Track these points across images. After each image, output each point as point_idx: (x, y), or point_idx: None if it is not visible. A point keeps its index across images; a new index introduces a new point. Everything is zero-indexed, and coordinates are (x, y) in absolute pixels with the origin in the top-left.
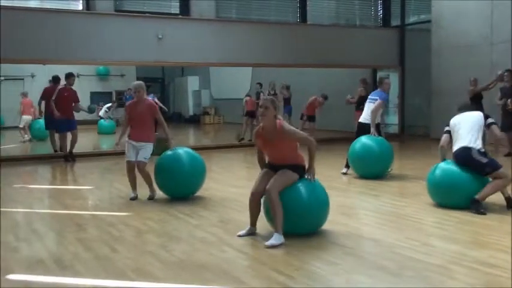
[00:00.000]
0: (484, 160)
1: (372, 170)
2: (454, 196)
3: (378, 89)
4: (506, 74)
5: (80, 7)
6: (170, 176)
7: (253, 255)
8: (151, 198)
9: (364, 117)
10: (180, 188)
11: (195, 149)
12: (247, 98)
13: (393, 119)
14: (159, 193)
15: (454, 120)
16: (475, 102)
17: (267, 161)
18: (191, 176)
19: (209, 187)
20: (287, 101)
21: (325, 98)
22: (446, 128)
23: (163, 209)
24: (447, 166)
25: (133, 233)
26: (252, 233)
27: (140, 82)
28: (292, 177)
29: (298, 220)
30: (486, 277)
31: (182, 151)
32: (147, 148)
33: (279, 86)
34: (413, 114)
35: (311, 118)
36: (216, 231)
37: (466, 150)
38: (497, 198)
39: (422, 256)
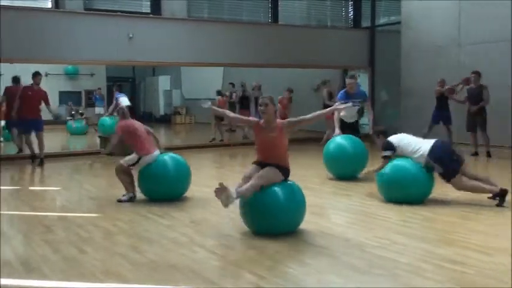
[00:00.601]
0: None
1: (346, 170)
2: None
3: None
4: (473, 75)
5: (49, 5)
6: (155, 181)
7: (225, 256)
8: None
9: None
10: (165, 192)
11: (166, 149)
12: (219, 97)
13: (364, 119)
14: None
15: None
16: (442, 103)
17: (257, 159)
18: (177, 181)
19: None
20: (256, 101)
21: (291, 91)
22: (388, 154)
23: (133, 210)
24: (397, 163)
25: (102, 235)
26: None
27: None
28: (279, 176)
29: (276, 220)
30: (453, 274)
31: (168, 157)
32: None
33: (250, 86)
34: (383, 114)
35: (284, 119)
36: (187, 232)
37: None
38: (463, 197)
39: (391, 254)
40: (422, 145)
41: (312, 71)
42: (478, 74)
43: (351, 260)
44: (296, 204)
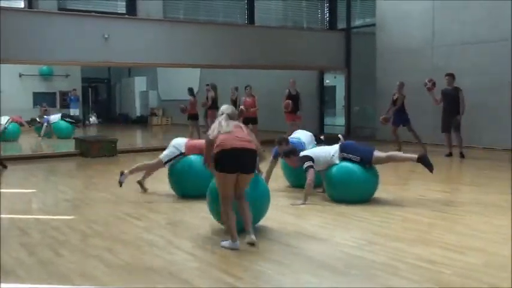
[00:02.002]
0: None
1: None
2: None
3: None
4: (447, 77)
5: (22, 5)
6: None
7: (202, 257)
8: None
9: None
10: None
11: (142, 151)
12: (192, 98)
13: (340, 120)
14: (107, 196)
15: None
16: (401, 106)
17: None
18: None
19: (157, 189)
20: (235, 104)
21: (250, 87)
22: (310, 164)
23: (110, 212)
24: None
25: (78, 237)
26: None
27: None
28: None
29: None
30: (429, 274)
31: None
32: None
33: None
34: (360, 115)
35: (253, 120)
36: (164, 234)
37: None
38: (440, 198)
39: (367, 254)
40: (332, 148)
41: (288, 72)
42: (452, 76)
43: (326, 260)
44: (262, 196)
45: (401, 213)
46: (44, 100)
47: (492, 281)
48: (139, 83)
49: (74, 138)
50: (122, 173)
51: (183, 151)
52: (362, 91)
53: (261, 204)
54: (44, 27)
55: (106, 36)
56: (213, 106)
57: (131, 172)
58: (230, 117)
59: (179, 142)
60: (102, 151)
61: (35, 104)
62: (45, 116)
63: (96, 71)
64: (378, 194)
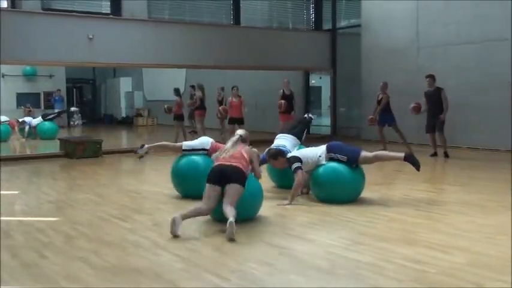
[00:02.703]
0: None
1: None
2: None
3: None
4: (428, 79)
5: (5, 5)
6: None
7: (188, 258)
8: None
9: None
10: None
11: (127, 151)
12: (178, 98)
13: (326, 120)
14: (91, 197)
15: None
16: (385, 107)
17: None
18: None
19: (142, 190)
20: (220, 104)
21: (237, 88)
22: (299, 165)
23: (94, 214)
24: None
25: (62, 239)
26: None
27: None
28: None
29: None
30: (415, 273)
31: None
32: None
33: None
34: (345, 116)
35: (239, 121)
36: (149, 235)
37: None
38: (426, 198)
39: (354, 254)
40: (318, 149)
41: (275, 72)
42: (432, 77)
43: (313, 260)
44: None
45: (386, 213)
46: (27, 101)
47: (476, 280)
48: (125, 84)
49: (59, 139)
50: (142, 146)
51: (207, 148)
52: (347, 91)
53: (253, 201)
54: (28, 27)
55: (90, 36)
56: (201, 106)
57: (151, 148)
58: (242, 139)
59: (206, 140)
60: (87, 152)
61: (19, 104)
62: (26, 119)
63: (81, 71)
64: (363, 193)
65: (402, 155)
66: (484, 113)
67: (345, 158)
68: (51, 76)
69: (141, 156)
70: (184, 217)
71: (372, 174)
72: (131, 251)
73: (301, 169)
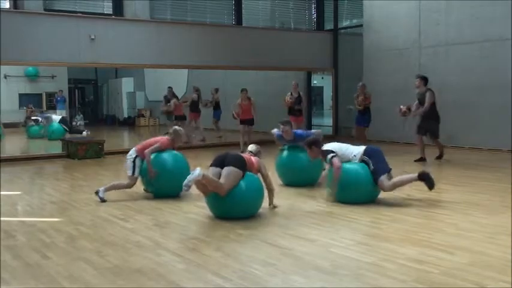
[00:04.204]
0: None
1: (298, 179)
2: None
3: None
4: (417, 80)
5: (8, 5)
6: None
7: (190, 258)
8: None
9: None
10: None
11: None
12: (175, 100)
13: (328, 120)
14: (93, 198)
15: (330, 146)
16: (366, 109)
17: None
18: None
19: (144, 190)
20: (217, 105)
21: (246, 90)
22: (334, 154)
23: (96, 214)
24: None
25: (65, 239)
26: None
27: None
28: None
29: (236, 204)
30: (416, 273)
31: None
32: None
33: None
34: (347, 115)
35: (249, 121)
36: (151, 235)
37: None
38: (428, 198)
39: (356, 255)
40: (356, 149)
41: (276, 73)
42: (421, 78)
43: (315, 260)
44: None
45: (390, 214)
46: (30, 101)
47: (478, 280)
48: (127, 84)
49: (61, 139)
50: (97, 192)
51: (135, 155)
52: (349, 91)
53: (253, 199)
54: (30, 28)
55: (92, 37)
56: (195, 108)
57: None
58: (253, 154)
59: (130, 152)
60: (89, 153)
61: (21, 105)
62: (42, 114)
63: (83, 72)
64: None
65: (415, 175)
66: (486, 113)
67: (372, 168)
68: (53, 77)
69: (104, 201)
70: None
71: None
72: (133, 251)
73: (337, 157)
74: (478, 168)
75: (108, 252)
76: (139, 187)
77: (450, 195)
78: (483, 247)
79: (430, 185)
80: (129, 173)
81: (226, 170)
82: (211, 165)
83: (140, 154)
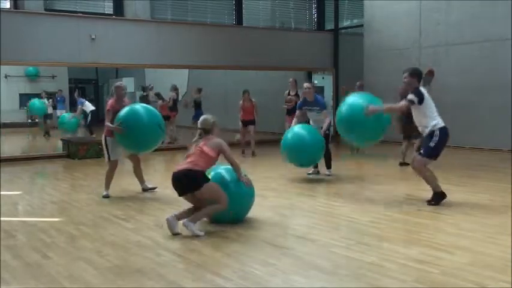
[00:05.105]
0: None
1: (303, 159)
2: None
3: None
4: (404, 75)
5: (8, 5)
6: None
7: (190, 258)
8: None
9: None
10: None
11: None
12: (160, 101)
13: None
14: (94, 198)
15: (426, 93)
16: None
17: None
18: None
19: (142, 190)
20: (198, 106)
21: (248, 92)
22: (414, 100)
23: (97, 214)
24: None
25: (66, 239)
26: None
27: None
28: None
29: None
30: (417, 273)
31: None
32: None
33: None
34: None
35: (251, 122)
36: (152, 235)
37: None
38: (427, 196)
39: (356, 254)
40: (439, 118)
41: (277, 72)
42: (409, 73)
43: (315, 260)
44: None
45: (390, 214)
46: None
47: (478, 280)
48: (127, 84)
49: (61, 139)
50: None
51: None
52: (350, 92)
53: (245, 202)
54: (30, 28)
55: (93, 36)
56: (173, 107)
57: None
58: (205, 131)
59: None
60: (89, 152)
61: (21, 105)
62: (80, 99)
63: (84, 71)
64: (366, 194)
65: (438, 190)
66: (486, 113)
67: (432, 144)
68: (53, 77)
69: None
70: (179, 217)
71: (374, 174)
72: (134, 251)
73: (413, 104)
74: (478, 168)
75: (109, 252)
76: (138, 187)
77: (450, 195)
78: (483, 247)
79: (434, 203)
80: (106, 158)
81: (197, 196)
82: (180, 195)
83: (106, 134)
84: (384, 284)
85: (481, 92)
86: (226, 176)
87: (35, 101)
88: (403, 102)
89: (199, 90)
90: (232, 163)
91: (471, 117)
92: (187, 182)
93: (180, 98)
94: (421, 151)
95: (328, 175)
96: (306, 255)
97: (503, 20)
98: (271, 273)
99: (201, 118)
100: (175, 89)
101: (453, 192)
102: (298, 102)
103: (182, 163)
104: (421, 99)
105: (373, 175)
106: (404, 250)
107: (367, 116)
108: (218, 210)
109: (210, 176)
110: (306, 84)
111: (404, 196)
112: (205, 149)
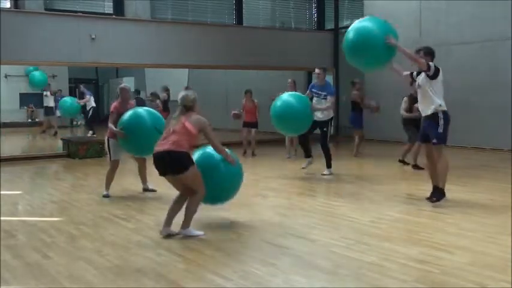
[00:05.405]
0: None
1: (293, 127)
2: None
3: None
4: (420, 54)
5: (8, 5)
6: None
7: (190, 258)
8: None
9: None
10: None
11: None
12: (158, 101)
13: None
14: (94, 197)
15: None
16: (357, 108)
17: None
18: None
19: (143, 190)
20: (165, 106)
21: (250, 92)
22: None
23: (97, 214)
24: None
25: (66, 239)
26: None
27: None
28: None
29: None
30: (417, 273)
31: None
32: None
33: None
34: (348, 115)
35: (253, 124)
36: (152, 235)
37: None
38: (425, 196)
39: (356, 254)
40: (441, 99)
41: (277, 72)
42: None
43: (316, 260)
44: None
45: (391, 214)
46: (30, 101)
47: (479, 280)
48: (127, 84)
49: (62, 139)
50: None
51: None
52: (350, 91)
53: (235, 181)
54: (31, 28)
55: (93, 36)
56: (165, 108)
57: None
58: (186, 108)
59: None
60: (89, 152)
61: (22, 105)
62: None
63: (84, 71)
64: (366, 194)
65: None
66: (486, 113)
67: (439, 130)
68: (54, 76)
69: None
70: (169, 221)
71: (375, 174)
72: (134, 251)
73: (428, 69)
74: (478, 168)
75: (109, 252)
76: (139, 187)
77: (451, 195)
78: (484, 247)
79: (436, 199)
80: (108, 158)
81: (187, 178)
82: (161, 175)
83: (109, 135)
84: (384, 284)
85: (481, 92)
86: (215, 156)
87: (67, 99)
88: (422, 60)
89: (165, 89)
90: (214, 147)
91: (471, 117)
92: (171, 163)
93: (172, 98)
94: (434, 140)
95: (328, 175)
96: (306, 255)
97: (503, 20)
98: (271, 273)
99: (182, 94)
100: (166, 89)
101: (453, 192)
102: (310, 86)
103: (165, 141)
104: (436, 73)
105: (373, 175)
106: (405, 250)
107: (386, 42)
108: (200, 200)
109: (197, 155)
110: (317, 69)
111: (404, 196)
112: (187, 124)
